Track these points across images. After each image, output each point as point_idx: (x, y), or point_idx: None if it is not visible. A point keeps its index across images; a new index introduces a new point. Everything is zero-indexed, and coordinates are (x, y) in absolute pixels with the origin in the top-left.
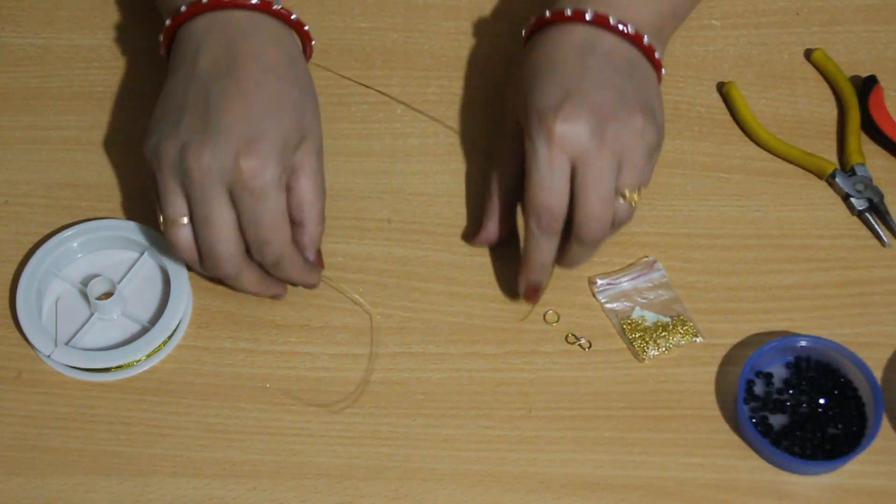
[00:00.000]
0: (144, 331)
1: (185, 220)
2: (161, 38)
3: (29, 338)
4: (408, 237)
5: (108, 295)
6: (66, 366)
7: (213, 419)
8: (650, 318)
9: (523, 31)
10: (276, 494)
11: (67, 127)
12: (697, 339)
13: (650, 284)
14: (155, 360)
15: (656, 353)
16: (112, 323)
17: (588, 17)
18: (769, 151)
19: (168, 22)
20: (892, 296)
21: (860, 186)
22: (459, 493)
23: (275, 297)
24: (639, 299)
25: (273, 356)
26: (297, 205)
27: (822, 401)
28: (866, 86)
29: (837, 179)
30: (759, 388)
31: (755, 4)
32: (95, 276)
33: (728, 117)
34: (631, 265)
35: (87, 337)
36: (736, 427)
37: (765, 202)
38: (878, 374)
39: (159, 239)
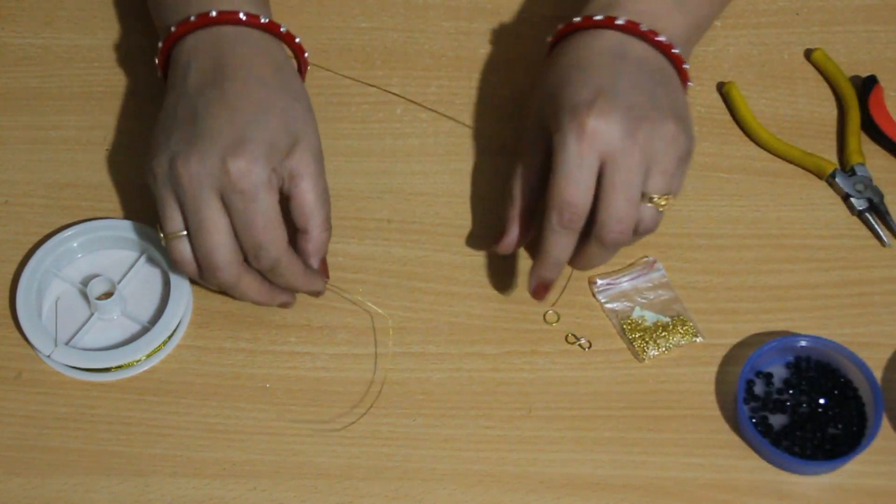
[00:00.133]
0: (144, 331)
1: (184, 232)
2: (157, 60)
3: (29, 338)
4: (408, 237)
5: (108, 295)
6: (66, 366)
7: (213, 419)
8: (650, 318)
9: (549, 38)
10: (276, 494)
11: (67, 127)
12: (697, 339)
13: (650, 284)
14: (155, 360)
15: (656, 353)
16: (112, 323)
17: (620, 22)
18: (769, 151)
19: (160, 44)
20: (892, 296)
21: (860, 186)
22: (459, 493)
23: (283, 305)
24: (639, 299)
25: (273, 356)
26: (299, 211)
27: (822, 401)
28: (866, 86)
29: (837, 179)
30: (759, 388)
31: (755, 4)
32: (95, 276)
33: (728, 117)
34: (631, 265)
35: (87, 337)
36: (736, 427)
37: (765, 202)
38: (878, 374)
39: (159, 239)
